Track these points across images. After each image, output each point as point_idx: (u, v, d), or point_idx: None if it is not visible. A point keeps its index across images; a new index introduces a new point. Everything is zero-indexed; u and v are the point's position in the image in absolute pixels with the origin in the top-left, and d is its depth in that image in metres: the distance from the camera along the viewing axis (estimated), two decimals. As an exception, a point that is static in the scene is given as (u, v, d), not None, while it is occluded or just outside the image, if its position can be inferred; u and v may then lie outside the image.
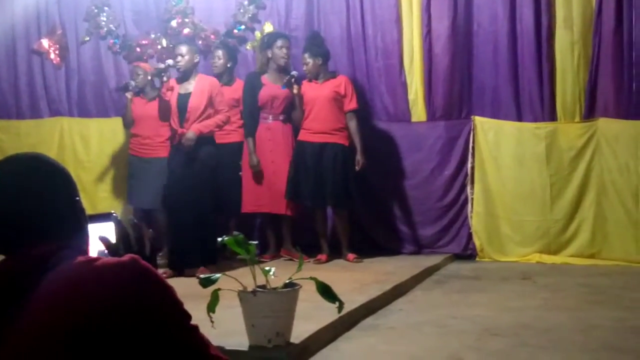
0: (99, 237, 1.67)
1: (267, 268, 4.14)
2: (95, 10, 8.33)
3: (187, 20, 8.09)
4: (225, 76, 7.40)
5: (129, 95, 7.40)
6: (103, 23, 8.31)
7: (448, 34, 7.51)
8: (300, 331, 4.35)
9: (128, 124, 7.56)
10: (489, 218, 7.48)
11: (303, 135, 7.18)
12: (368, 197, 7.56)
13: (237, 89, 7.41)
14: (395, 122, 7.71)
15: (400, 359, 4.38)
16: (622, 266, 6.96)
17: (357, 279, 6.21)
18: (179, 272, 6.33)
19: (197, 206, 6.41)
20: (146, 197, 7.26)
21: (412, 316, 5.31)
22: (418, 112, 7.68)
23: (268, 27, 7.73)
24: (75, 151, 8.42)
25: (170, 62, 6.77)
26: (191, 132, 6.50)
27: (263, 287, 4.15)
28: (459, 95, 7.59)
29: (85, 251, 1.67)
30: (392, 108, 7.72)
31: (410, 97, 7.67)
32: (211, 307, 3.86)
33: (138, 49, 8.19)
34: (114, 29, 8.31)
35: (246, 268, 4.26)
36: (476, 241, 7.50)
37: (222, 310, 3.92)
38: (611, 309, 5.39)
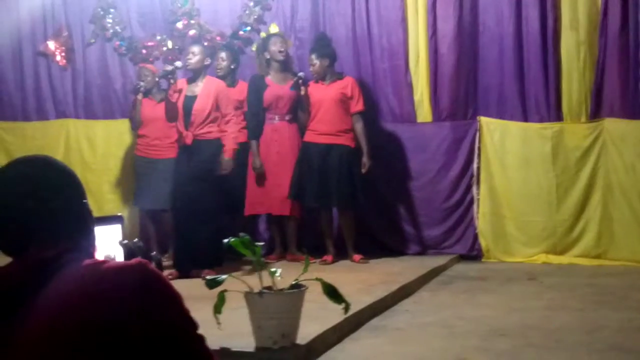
0: (119, 242, 1.67)
1: (273, 269, 4.15)
2: (101, 12, 8.33)
3: (192, 21, 8.09)
4: (228, 78, 7.41)
5: (139, 96, 7.41)
6: (109, 25, 8.31)
7: (454, 34, 7.50)
8: (306, 332, 4.35)
9: (136, 125, 7.57)
10: (494, 218, 7.47)
11: (309, 137, 7.18)
12: (374, 197, 7.54)
13: (240, 90, 7.41)
14: (401, 122, 7.70)
15: (406, 359, 4.39)
16: (629, 266, 6.94)
17: (363, 279, 6.21)
18: (185, 273, 6.34)
19: (203, 208, 6.41)
20: (153, 198, 7.28)
21: (418, 317, 5.31)
22: (424, 112, 7.67)
23: (274, 29, 7.73)
24: (81, 153, 8.42)
25: (178, 64, 6.78)
26: (226, 158, 6.52)
27: (269, 288, 4.16)
28: (465, 96, 7.58)
29: (92, 254, 1.67)
30: (397, 109, 7.71)
31: (416, 97, 7.66)
32: (217, 309, 3.88)
33: (144, 51, 8.19)
34: (119, 30, 8.31)
35: (252, 269, 4.27)
36: (482, 242, 7.49)
37: (228, 312, 3.94)
38: (618, 309, 5.39)
